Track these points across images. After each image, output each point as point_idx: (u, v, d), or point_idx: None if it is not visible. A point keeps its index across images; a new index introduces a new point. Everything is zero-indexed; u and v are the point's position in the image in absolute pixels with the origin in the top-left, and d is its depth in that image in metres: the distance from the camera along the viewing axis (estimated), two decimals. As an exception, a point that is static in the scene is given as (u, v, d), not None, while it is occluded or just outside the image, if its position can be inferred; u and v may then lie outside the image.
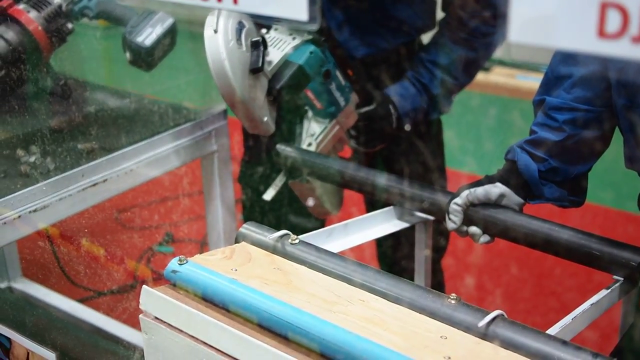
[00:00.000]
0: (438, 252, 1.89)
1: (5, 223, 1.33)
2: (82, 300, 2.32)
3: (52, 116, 1.70)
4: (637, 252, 1.11)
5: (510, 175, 1.26)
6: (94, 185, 1.47)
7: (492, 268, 2.72)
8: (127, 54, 1.63)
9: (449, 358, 0.83)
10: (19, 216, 1.35)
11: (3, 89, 1.63)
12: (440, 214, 1.30)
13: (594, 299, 1.09)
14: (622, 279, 1.12)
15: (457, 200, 1.26)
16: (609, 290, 1.11)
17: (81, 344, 1.09)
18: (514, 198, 1.25)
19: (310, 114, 1.55)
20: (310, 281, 1.00)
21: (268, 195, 1.54)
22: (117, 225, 3.06)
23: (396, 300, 0.95)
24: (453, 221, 1.26)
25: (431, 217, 1.35)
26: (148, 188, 3.14)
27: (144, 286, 0.96)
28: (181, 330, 0.93)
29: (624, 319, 1.21)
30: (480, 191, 1.25)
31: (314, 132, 1.54)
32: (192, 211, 3.15)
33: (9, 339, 1.06)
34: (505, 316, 0.90)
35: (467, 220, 1.26)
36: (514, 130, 3.41)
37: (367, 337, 0.85)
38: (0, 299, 1.13)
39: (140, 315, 0.97)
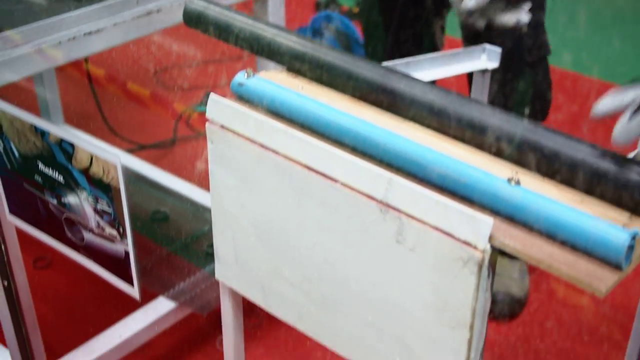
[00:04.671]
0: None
1: (60, 43, 1.32)
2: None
3: None
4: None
5: None
6: (148, 14, 1.44)
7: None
8: None
9: (517, 172, 0.81)
10: (74, 37, 1.33)
11: None
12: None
13: None
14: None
15: None
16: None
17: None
18: None
19: None
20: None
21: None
22: (156, 84, 3.05)
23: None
24: None
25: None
26: (190, 50, 3.11)
27: (211, 94, 0.95)
28: (248, 138, 0.93)
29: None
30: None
31: None
32: (233, 74, 3.13)
33: (72, 145, 1.06)
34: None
35: None
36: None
37: (436, 149, 0.84)
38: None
39: (207, 124, 0.96)
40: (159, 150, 2.61)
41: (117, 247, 1.08)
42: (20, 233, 1.36)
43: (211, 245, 1.90)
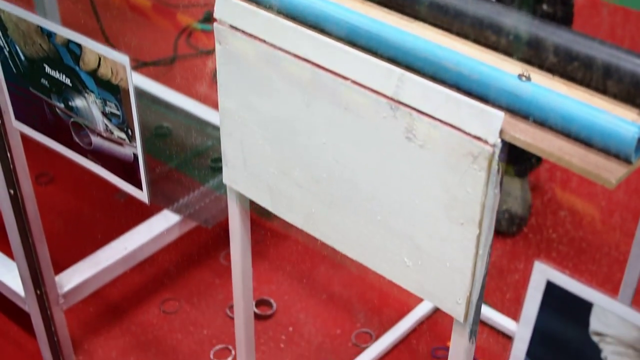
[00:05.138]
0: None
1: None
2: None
3: None
4: None
5: None
6: None
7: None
8: None
9: (527, 70, 0.81)
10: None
11: None
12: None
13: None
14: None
15: None
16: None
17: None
18: None
19: None
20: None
21: None
22: (156, 2, 3.01)
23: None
24: None
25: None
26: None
27: (219, -7, 0.94)
28: (257, 37, 0.92)
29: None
30: None
31: None
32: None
33: (79, 46, 1.05)
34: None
35: None
36: None
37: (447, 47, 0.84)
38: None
39: (215, 24, 0.95)
40: (159, 67, 2.59)
41: (126, 151, 1.09)
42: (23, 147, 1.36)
43: (215, 160, 1.92)
